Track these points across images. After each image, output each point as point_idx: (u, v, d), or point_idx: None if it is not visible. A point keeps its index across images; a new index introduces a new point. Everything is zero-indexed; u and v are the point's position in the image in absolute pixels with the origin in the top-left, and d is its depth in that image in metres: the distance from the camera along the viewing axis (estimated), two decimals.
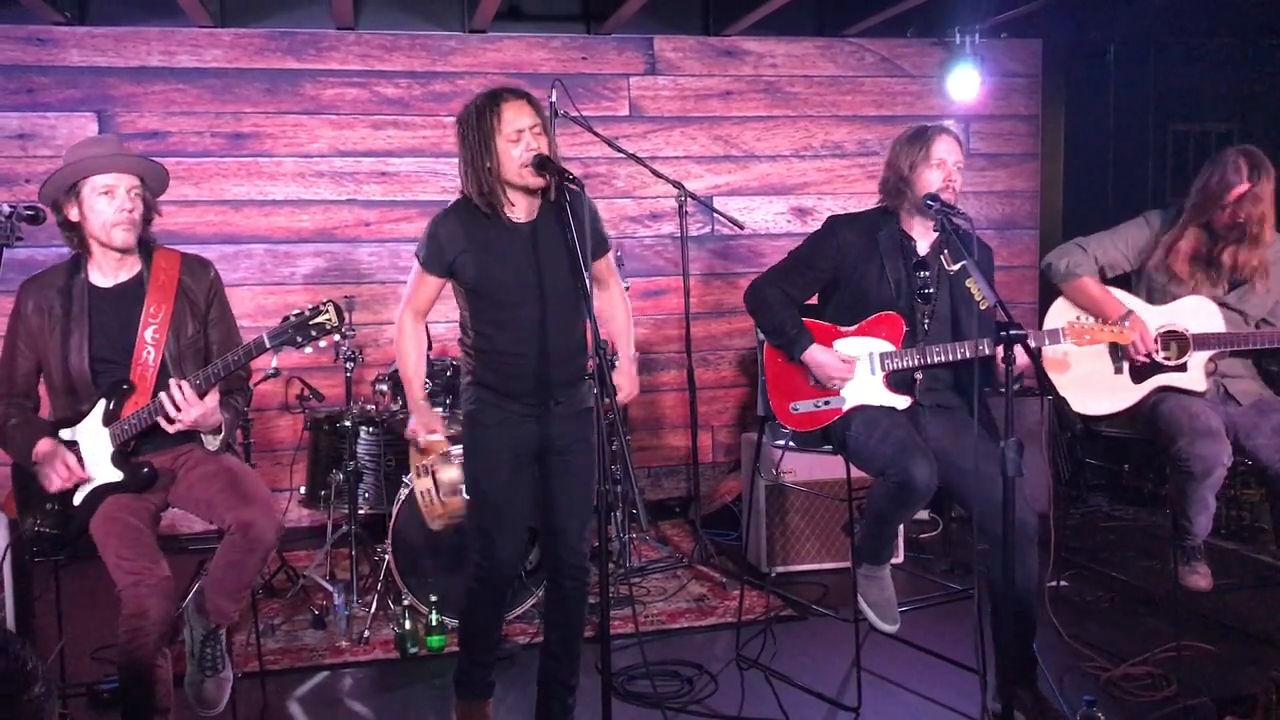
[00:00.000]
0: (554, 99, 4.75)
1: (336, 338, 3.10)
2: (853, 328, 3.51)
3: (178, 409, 3.04)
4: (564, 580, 3.30)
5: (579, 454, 3.27)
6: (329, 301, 3.07)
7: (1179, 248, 3.82)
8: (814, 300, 3.68)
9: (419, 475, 3.50)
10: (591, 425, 3.29)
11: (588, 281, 2.91)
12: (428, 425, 3.34)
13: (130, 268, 3.28)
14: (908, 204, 3.48)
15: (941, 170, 3.41)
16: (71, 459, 3.13)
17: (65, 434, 3.19)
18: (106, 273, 3.26)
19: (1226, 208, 3.72)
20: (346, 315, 3.03)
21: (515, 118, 3.04)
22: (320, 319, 3.04)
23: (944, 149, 3.41)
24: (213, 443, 3.24)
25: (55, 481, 3.12)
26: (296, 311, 3.06)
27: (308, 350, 3.09)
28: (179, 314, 3.26)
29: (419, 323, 3.33)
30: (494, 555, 3.22)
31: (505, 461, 3.18)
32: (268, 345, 3.04)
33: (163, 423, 3.08)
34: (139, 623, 2.90)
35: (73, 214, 3.18)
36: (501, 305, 3.14)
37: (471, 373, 3.23)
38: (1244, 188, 3.69)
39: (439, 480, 3.26)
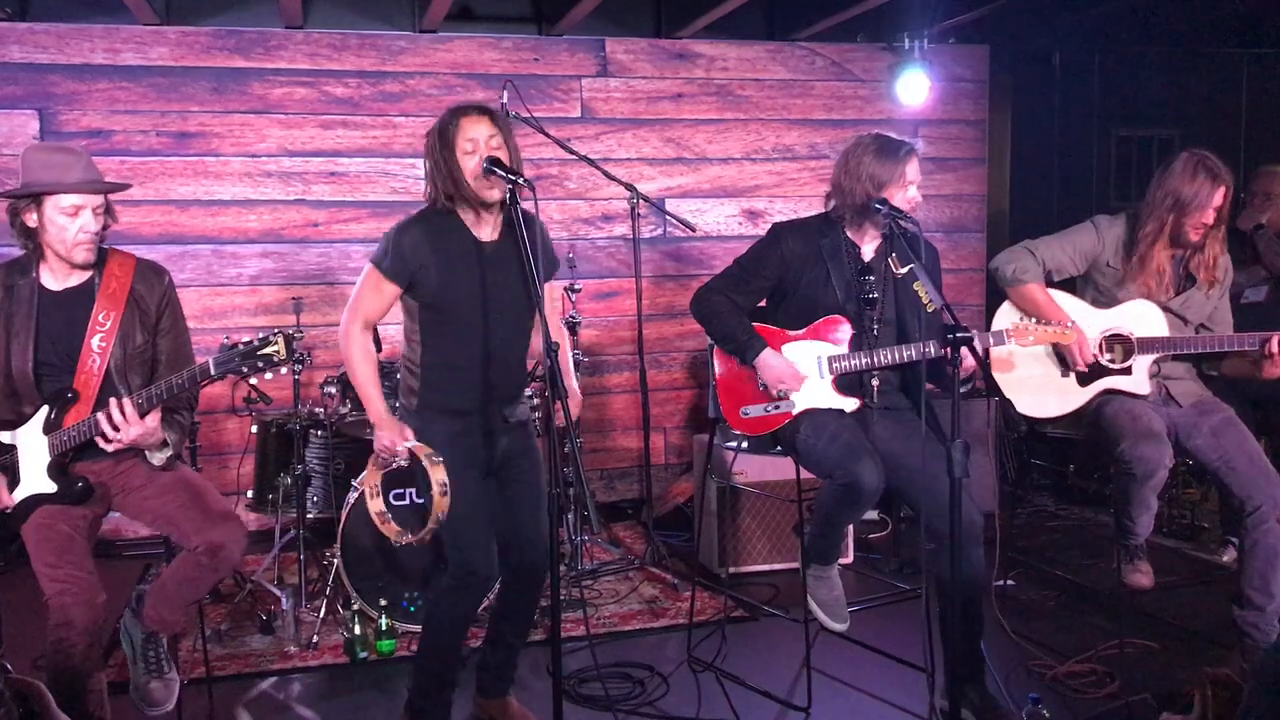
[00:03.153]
0: (505, 100, 4.74)
1: (284, 370, 3.03)
2: (801, 331, 3.54)
3: (115, 429, 2.99)
4: (534, 581, 3.38)
5: (530, 462, 3.32)
6: (279, 332, 2.98)
7: (1154, 257, 3.84)
8: (762, 304, 3.70)
9: (373, 495, 3.34)
10: (533, 434, 3.36)
11: (539, 288, 2.91)
12: (402, 434, 3.13)
13: (82, 272, 3.21)
14: (856, 212, 3.51)
15: (907, 191, 3.45)
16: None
17: (5, 437, 3.14)
18: (58, 276, 3.20)
19: (1209, 212, 3.76)
20: (298, 348, 2.94)
21: (470, 128, 3.07)
22: (268, 350, 2.96)
23: (914, 171, 3.45)
24: (158, 458, 3.18)
25: None
26: (246, 340, 2.98)
27: (253, 381, 3.04)
28: (128, 323, 3.20)
29: (368, 332, 3.22)
30: (474, 554, 3.19)
31: (461, 463, 3.15)
32: (213, 373, 2.98)
33: (100, 441, 3.02)
34: (64, 632, 2.86)
35: (31, 220, 3.11)
36: (452, 319, 3.16)
37: (415, 391, 3.23)
38: (1224, 190, 3.75)
39: (433, 480, 3.09)
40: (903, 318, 3.52)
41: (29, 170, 3.11)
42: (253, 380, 3.05)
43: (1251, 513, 3.66)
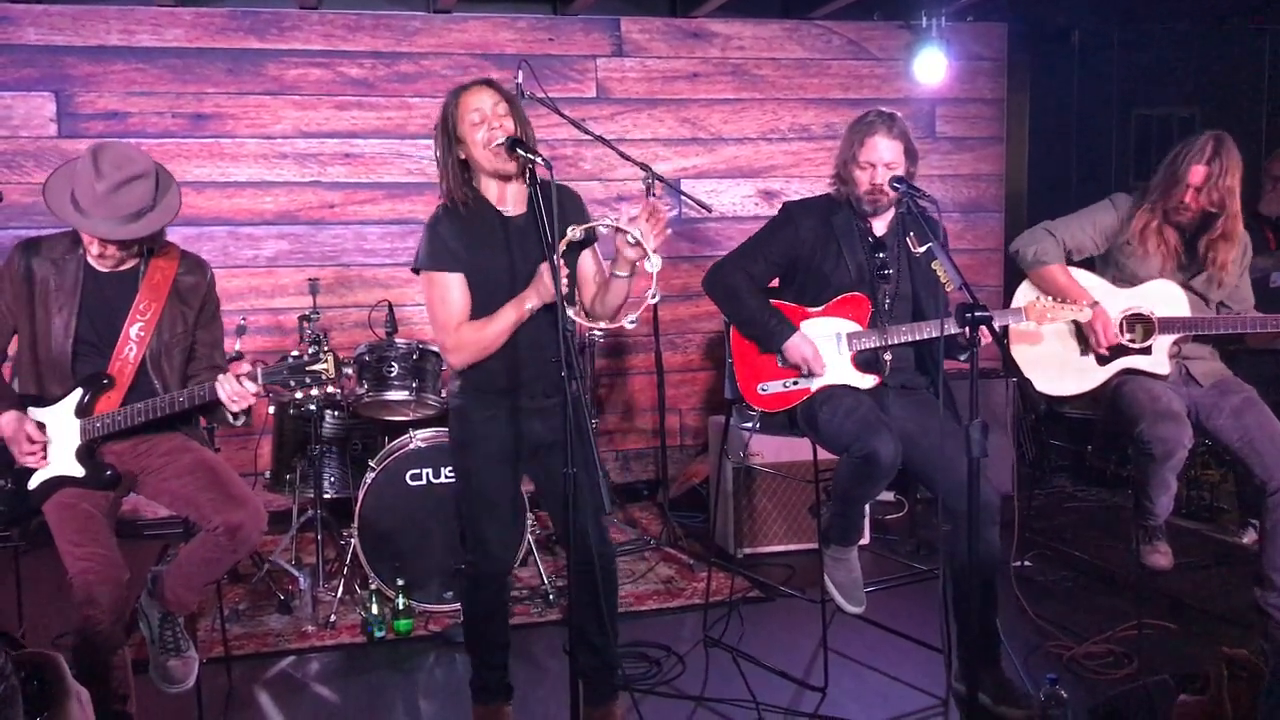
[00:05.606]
0: (520, 80, 4.72)
1: (330, 389, 3.03)
2: (819, 308, 3.53)
3: (235, 398, 3.02)
4: (592, 573, 3.17)
5: (579, 446, 3.11)
6: (330, 351, 3.01)
7: (1146, 229, 3.84)
8: (774, 283, 3.69)
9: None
10: (584, 414, 3.23)
11: (555, 265, 2.85)
12: (543, 281, 2.94)
13: (128, 259, 3.21)
14: (841, 183, 3.52)
15: (867, 173, 3.42)
16: (32, 427, 3.08)
17: (34, 413, 3.14)
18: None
19: (1187, 190, 3.74)
20: (350, 371, 2.91)
21: (474, 100, 2.98)
22: (317, 367, 2.98)
23: (872, 152, 3.40)
24: (236, 421, 3.19)
25: (27, 458, 3.08)
26: (295, 354, 3.01)
27: (298, 395, 3.04)
28: (168, 314, 3.21)
29: (465, 325, 3.02)
30: (487, 549, 3.16)
31: (493, 454, 3.10)
32: (259, 381, 3.00)
33: (228, 403, 3.03)
34: (90, 610, 2.87)
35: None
36: (482, 298, 3.05)
37: (459, 374, 3.12)
38: (1204, 170, 3.71)
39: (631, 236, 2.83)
40: (918, 295, 3.51)
41: (75, 182, 3.00)
42: (298, 395, 3.03)
43: (1273, 493, 3.64)
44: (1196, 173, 3.71)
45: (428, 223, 3.08)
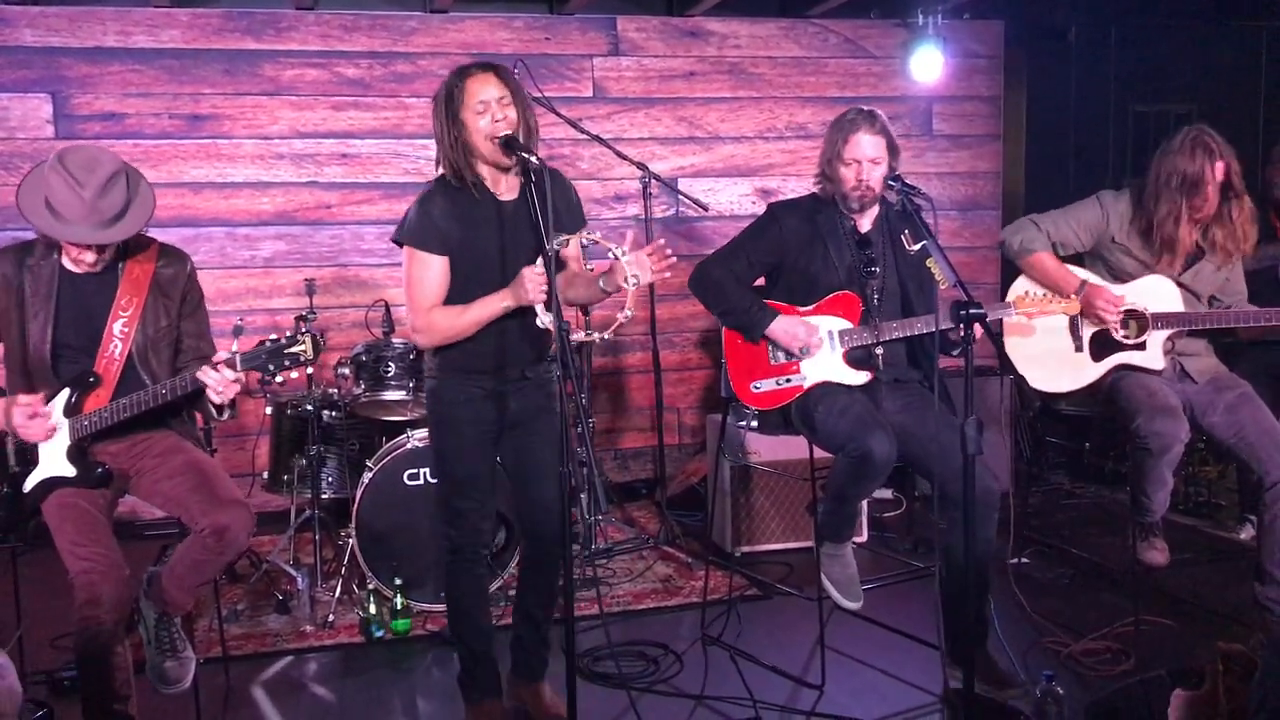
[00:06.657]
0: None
1: (309, 370, 3.05)
2: (810, 307, 3.53)
3: (220, 390, 3.01)
4: (548, 550, 3.33)
5: (544, 424, 3.28)
6: (307, 332, 3.01)
7: (1181, 238, 3.80)
8: (761, 283, 3.70)
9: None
10: (555, 396, 3.30)
11: (551, 269, 2.86)
12: (533, 277, 2.93)
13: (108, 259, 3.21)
14: (827, 181, 3.53)
15: (853, 169, 3.43)
16: (23, 398, 3.06)
17: None
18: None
19: (1209, 186, 3.73)
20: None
21: (480, 89, 3.01)
22: (295, 349, 2.99)
23: (856, 149, 3.41)
24: (221, 416, 3.21)
25: (36, 432, 3.06)
26: (273, 337, 3.00)
27: (279, 380, 3.04)
28: (151, 308, 3.21)
29: (437, 309, 3.10)
30: (463, 521, 3.22)
31: (469, 434, 3.18)
32: (238, 368, 3.00)
33: (211, 394, 3.02)
34: (92, 610, 2.87)
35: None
36: (471, 279, 3.10)
37: (435, 353, 3.20)
38: (1223, 165, 3.72)
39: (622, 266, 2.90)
40: (905, 289, 3.52)
41: (49, 191, 2.99)
42: (278, 379, 3.04)
43: (1270, 487, 3.64)
44: (1219, 169, 3.71)
45: (419, 196, 3.12)
